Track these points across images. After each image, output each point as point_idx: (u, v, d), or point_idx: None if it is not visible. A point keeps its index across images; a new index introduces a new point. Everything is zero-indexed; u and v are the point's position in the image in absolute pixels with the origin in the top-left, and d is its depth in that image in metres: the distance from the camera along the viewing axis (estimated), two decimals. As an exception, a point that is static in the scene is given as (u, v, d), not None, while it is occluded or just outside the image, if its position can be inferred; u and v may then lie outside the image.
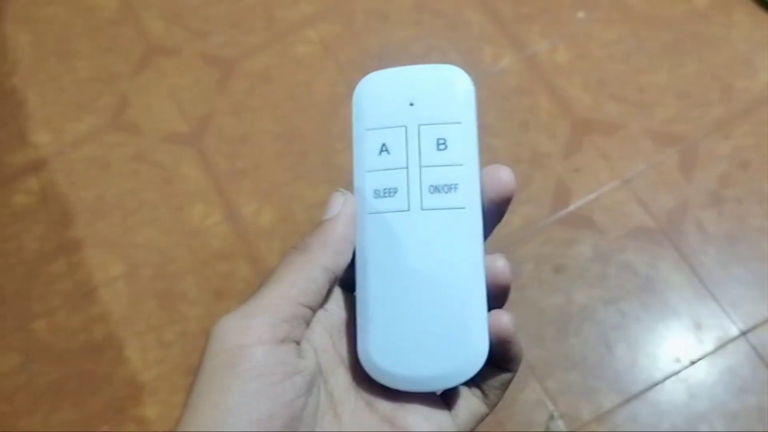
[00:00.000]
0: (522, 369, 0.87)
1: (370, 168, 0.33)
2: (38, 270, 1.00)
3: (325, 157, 1.01)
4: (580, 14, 1.05)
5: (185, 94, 1.08)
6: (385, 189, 0.33)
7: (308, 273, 0.31)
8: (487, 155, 0.97)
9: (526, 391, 0.85)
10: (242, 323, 0.29)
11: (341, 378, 0.32)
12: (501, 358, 0.32)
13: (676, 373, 0.85)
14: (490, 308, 0.32)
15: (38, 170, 1.06)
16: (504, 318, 0.32)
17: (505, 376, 0.33)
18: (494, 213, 0.33)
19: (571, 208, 0.94)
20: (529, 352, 0.86)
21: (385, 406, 0.32)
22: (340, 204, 0.33)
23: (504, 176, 0.33)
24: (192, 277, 0.97)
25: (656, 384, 0.84)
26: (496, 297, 0.33)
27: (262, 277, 0.95)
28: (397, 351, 0.31)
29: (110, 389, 0.92)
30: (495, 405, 0.34)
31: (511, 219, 0.92)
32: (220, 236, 0.98)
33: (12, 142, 1.08)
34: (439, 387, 0.32)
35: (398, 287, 0.32)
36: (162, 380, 0.92)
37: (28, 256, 1.01)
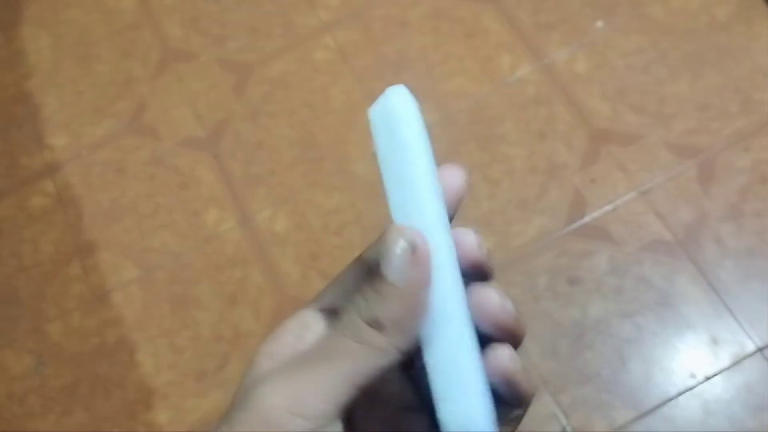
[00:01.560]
0: (535, 382, 0.86)
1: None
2: (53, 273, 1.00)
3: (340, 164, 1.01)
4: (599, 23, 1.05)
5: (202, 99, 1.09)
6: None
7: (380, 360, 0.26)
8: (504, 165, 0.96)
9: (538, 404, 0.84)
10: (292, 396, 0.26)
11: None
12: (509, 397, 0.29)
13: (691, 388, 0.84)
14: (482, 338, 0.28)
15: (55, 173, 1.07)
16: (503, 356, 0.28)
17: (515, 411, 0.30)
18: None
19: (587, 219, 0.93)
20: (542, 364, 0.86)
21: None
22: (407, 259, 0.26)
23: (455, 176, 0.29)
24: (205, 283, 0.97)
25: (671, 399, 0.83)
26: (474, 275, 0.28)
27: (275, 284, 0.95)
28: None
29: (122, 393, 0.92)
30: None
31: (526, 230, 0.92)
32: (234, 242, 0.98)
33: (29, 144, 1.09)
34: None
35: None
36: (173, 385, 0.92)
37: (44, 258, 1.01)
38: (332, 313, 0.32)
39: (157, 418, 0.90)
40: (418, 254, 0.26)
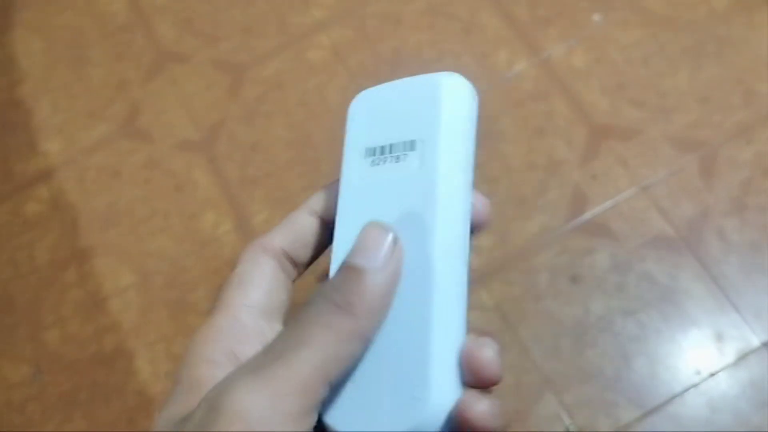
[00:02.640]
0: (538, 382, 0.85)
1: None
2: (50, 279, 0.99)
3: (338, 164, 0.99)
4: (596, 17, 1.03)
5: (196, 101, 1.08)
6: None
7: (349, 347, 0.26)
8: (502, 162, 0.95)
9: (541, 404, 0.83)
10: (270, 395, 0.24)
11: None
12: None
13: (696, 385, 0.83)
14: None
15: (49, 178, 1.06)
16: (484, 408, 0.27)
17: None
18: None
19: (588, 216, 0.92)
20: (544, 364, 0.85)
21: None
22: (388, 250, 0.28)
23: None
24: (203, 287, 0.96)
25: (676, 397, 0.82)
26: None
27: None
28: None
29: (121, 400, 0.92)
30: None
31: (526, 227, 0.91)
32: (231, 245, 0.97)
33: (23, 150, 1.08)
34: None
35: None
36: (173, 391, 0.91)
37: (40, 265, 1.00)
38: (268, 313, 0.32)
39: (157, 425, 0.90)
40: (397, 247, 0.28)
